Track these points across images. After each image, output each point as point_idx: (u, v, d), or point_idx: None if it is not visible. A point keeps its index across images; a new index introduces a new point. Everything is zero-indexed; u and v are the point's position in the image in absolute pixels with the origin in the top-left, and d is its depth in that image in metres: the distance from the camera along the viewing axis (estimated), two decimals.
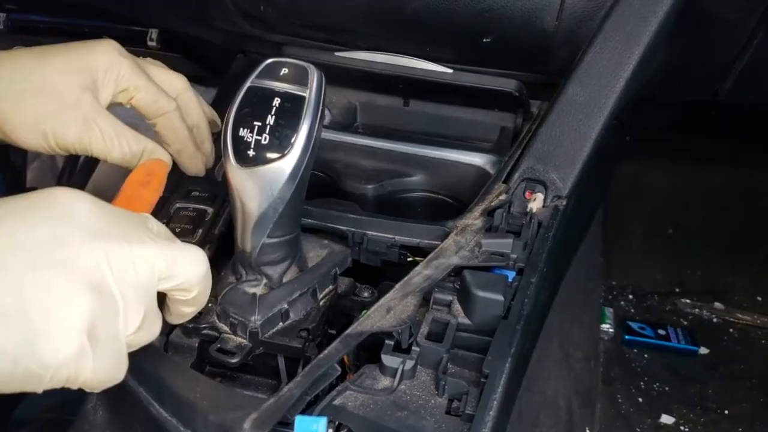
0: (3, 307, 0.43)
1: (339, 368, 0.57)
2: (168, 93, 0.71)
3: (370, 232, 0.72)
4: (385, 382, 0.58)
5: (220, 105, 0.93)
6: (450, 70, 0.86)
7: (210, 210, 0.73)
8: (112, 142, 0.66)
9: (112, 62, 0.67)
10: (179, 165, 0.73)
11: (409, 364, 0.58)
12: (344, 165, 0.86)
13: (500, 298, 0.61)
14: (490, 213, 0.71)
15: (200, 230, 0.70)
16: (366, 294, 0.69)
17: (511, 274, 0.67)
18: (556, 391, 0.96)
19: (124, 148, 0.67)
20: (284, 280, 0.63)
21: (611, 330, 1.32)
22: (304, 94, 0.57)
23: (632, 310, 1.40)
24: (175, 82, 0.73)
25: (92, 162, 1.18)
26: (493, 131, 0.92)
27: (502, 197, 0.73)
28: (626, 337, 1.31)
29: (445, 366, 0.58)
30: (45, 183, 1.28)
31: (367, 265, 0.74)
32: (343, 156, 0.87)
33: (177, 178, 0.74)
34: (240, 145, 0.56)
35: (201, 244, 0.69)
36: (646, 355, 1.30)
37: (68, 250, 0.46)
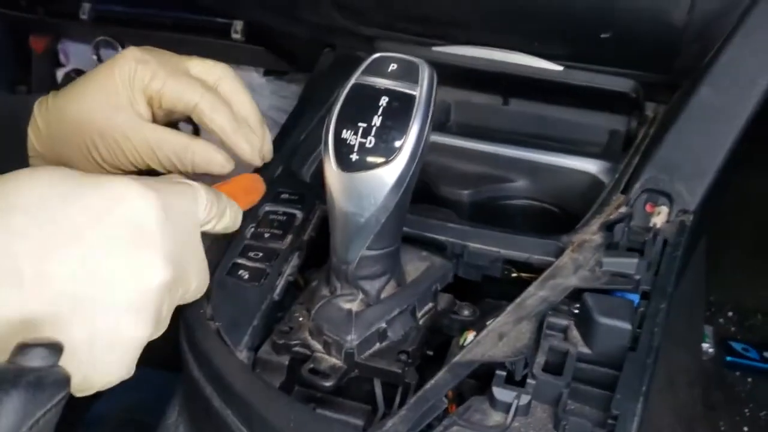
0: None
1: (446, 401, 0.51)
2: (206, 83, 0.68)
3: (471, 244, 0.65)
4: (496, 417, 0.51)
5: (307, 101, 0.88)
6: (560, 67, 0.78)
7: (299, 214, 0.67)
8: (151, 153, 0.65)
9: (130, 74, 0.65)
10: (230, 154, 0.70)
11: (525, 399, 0.51)
12: (438, 168, 0.80)
13: (627, 326, 0.54)
14: (609, 227, 0.64)
15: (290, 235, 0.65)
16: (467, 312, 0.63)
17: (634, 298, 0.59)
18: (661, 420, 0.88)
19: (166, 154, 0.65)
20: (382, 296, 0.57)
21: (711, 350, 1.22)
22: (415, 93, 0.51)
23: (733, 329, 1.29)
24: (213, 71, 0.69)
25: None
26: (602, 135, 0.84)
27: (622, 210, 0.66)
28: (728, 358, 1.21)
29: (565, 402, 0.51)
30: None
31: (465, 280, 0.67)
32: (437, 158, 0.80)
33: (267, 180, 0.70)
34: (342, 148, 0.51)
35: (290, 250, 0.64)
36: (749, 379, 1.20)
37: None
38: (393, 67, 0.53)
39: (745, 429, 1.10)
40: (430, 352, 0.62)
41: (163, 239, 0.48)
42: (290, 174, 0.72)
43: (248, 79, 1.15)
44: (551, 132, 0.86)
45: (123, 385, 0.49)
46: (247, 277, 0.61)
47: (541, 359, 0.53)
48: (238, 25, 1.05)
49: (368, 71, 0.53)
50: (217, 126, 0.66)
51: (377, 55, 0.53)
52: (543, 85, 0.80)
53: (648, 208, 0.67)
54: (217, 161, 0.66)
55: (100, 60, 1.06)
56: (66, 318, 0.44)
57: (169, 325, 0.52)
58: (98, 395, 0.49)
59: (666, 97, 0.77)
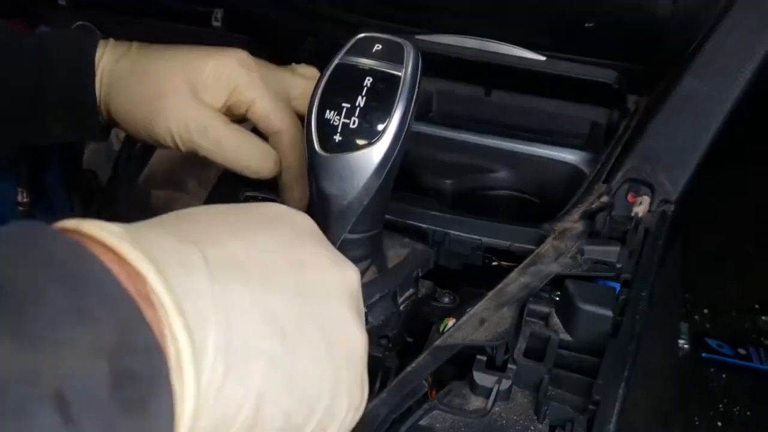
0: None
1: (427, 385, 0.50)
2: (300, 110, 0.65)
3: (453, 232, 0.65)
4: (476, 402, 0.51)
5: None
6: (543, 57, 0.78)
7: (278, 200, 0.66)
8: (201, 135, 0.61)
9: (228, 72, 0.63)
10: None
11: (506, 383, 0.51)
12: (420, 157, 0.79)
13: (609, 313, 0.54)
14: (591, 216, 0.64)
15: None
16: (446, 300, 0.63)
17: (615, 286, 0.59)
18: (637, 417, 0.88)
19: (217, 142, 0.61)
20: (363, 280, 0.56)
21: (687, 346, 1.23)
22: (399, 74, 0.51)
23: (708, 326, 1.30)
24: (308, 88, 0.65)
25: (149, 148, 1.13)
26: (583, 126, 0.83)
27: (604, 199, 0.66)
28: (703, 355, 1.22)
29: (546, 388, 0.51)
30: (100, 166, 1.24)
31: (445, 268, 0.67)
32: (419, 148, 0.80)
33: None
34: (325, 129, 0.50)
35: None
36: (723, 375, 1.20)
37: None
38: (377, 47, 0.52)
39: (719, 424, 1.11)
40: (410, 339, 0.62)
41: None
42: None
43: None
44: (533, 123, 0.85)
45: None
46: None
47: (522, 345, 0.53)
48: (219, 12, 1.03)
49: (352, 51, 0.52)
50: (287, 163, 0.63)
51: (361, 35, 0.53)
52: (526, 75, 0.80)
53: (630, 197, 0.67)
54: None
55: None
56: None
57: None
58: None
59: (648, 88, 0.78)
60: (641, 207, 0.65)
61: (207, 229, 0.38)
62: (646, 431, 0.92)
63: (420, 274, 0.61)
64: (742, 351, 1.23)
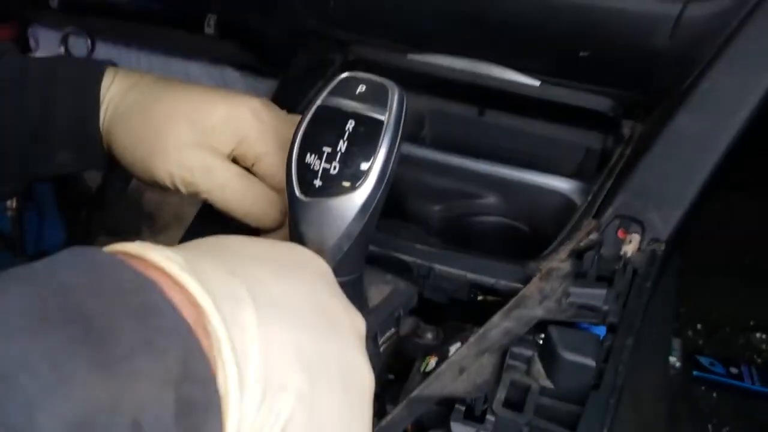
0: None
1: None
2: None
3: (438, 266, 0.64)
4: None
5: (280, 103, 0.86)
6: (537, 82, 0.77)
7: None
8: (204, 178, 0.60)
9: (238, 122, 0.61)
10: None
11: None
12: (408, 182, 0.78)
13: (592, 363, 0.53)
14: (579, 255, 0.62)
15: None
16: (429, 336, 0.62)
17: (601, 330, 0.58)
18: None
19: (221, 186, 0.60)
20: None
21: (678, 364, 1.23)
22: (383, 118, 0.49)
23: (701, 342, 1.30)
24: None
25: None
26: (577, 152, 0.83)
27: (593, 236, 0.64)
28: (695, 373, 1.21)
29: None
30: (93, 173, 1.24)
31: (430, 301, 0.66)
32: (409, 171, 0.78)
33: None
34: (306, 173, 0.49)
35: None
36: (714, 394, 1.20)
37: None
38: (361, 88, 0.50)
39: None
40: (392, 376, 0.61)
41: None
42: None
43: (221, 74, 1.12)
44: (526, 146, 0.84)
45: None
46: None
47: (501, 394, 0.52)
48: (212, 19, 1.01)
49: (335, 92, 0.51)
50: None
51: (345, 74, 0.51)
52: (519, 99, 0.79)
53: (620, 234, 0.66)
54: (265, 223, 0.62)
55: (67, 51, 1.02)
56: None
57: None
58: None
59: (642, 115, 0.76)
60: (630, 246, 0.64)
61: (247, 264, 0.40)
62: None
63: (402, 314, 0.59)
64: (734, 370, 1.22)
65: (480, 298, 0.65)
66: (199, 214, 0.68)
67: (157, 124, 0.60)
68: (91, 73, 0.63)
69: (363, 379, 0.42)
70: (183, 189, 0.61)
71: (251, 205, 0.61)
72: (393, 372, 0.61)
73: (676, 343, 1.25)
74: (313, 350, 0.39)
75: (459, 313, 0.66)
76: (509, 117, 0.84)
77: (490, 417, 0.51)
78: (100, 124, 0.63)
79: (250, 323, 0.36)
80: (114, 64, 0.66)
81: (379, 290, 0.60)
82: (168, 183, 0.61)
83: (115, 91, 0.63)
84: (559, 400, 0.54)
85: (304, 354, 0.38)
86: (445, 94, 0.86)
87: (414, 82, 0.84)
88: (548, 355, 0.55)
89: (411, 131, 0.87)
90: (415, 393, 0.51)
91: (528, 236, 0.76)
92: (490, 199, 0.77)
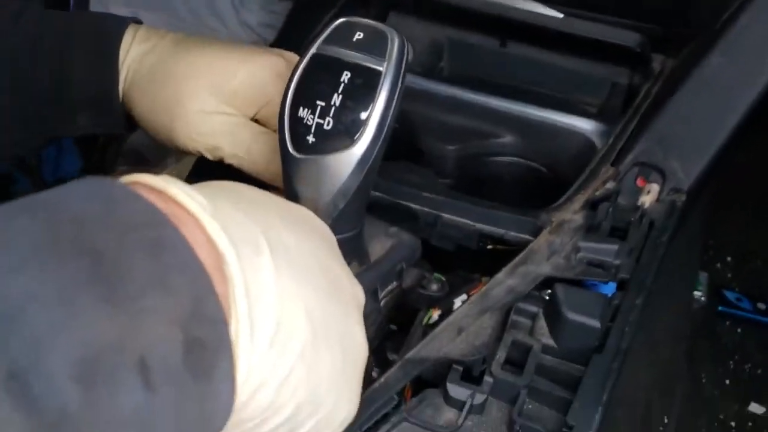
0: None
1: (397, 399, 0.49)
2: None
3: (446, 215, 0.62)
4: (449, 414, 0.49)
5: (292, 27, 0.83)
6: (560, 15, 0.72)
7: None
8: (228, 141, 0.58)
9: (262, 84, 0.59)
10: None
11: (480, 398, 0.49)
12: (424, 118, 0.75)
13: (597, 324, 0.51)
14: (593, 206, 0.60)
15: None
16: (435, 287, 0.60)
17: (611, 287, 0.56)
18: (636, 384, 0.87)
19: (247, 149, 0.58)
20: None
21: (703, 299, 1.20)
22: (381, 68, 0.46)
23: (729, 275, 1.26)
24: None
25: None
26: (603, 87, 0.78)
27: (609, 185, 0.61)
28: (720, 308, 1.19)
29: (522, 404, 0.49)
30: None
31: (439, 248, 0.64)
32: (423, 108, 0.75)
33: None
34: (299, 128, 0.47)
35: None
36: (739, 330, 1.18)
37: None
38: (359, 35, 0.47)
39: (727, 382, 1.09)
40: (394, 327, 0.60)
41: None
42: None
43: None
44: (549, 80, 0.80)
45: None
46: None
47: (501, 355, 0.51)
48: None
49: (331, 39, 0.47)
50: None
51: (342, 20, 0.48)
52: (541, 32, 0.74)
53: (639, 182, 0.63)
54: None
55: None
56: None
57: None
58: None
59: (674, 50, 0.71)
60: (649, 196, 0.61)
61: (264, 213, 0.39)
62: (646, 396, 0.90)
63: (405, 267, 0.58)
64: (761, 306, 1.19)
65: (490, 247, 0.63)
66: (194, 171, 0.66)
67: (176, 90, 0.58)
68: (110, 34, 0.61)
69: (358, 349, 0.42)
70: (208, 155, 0.59)
71: (279, 166, 0.58)
72: (396, 323, 0.60)
73: (703, 277, 1.22)
74: (318, 310, 0.38)
75: (468, 261, 0.64)
76: (532, 49, 0.79)
77: (488, 378, 0.49)
78: (120, 89, 0.61)
79: (266, 271, 0.35)
80: (136, 21, 0.63)
81: (381, 243, 0.58)
82: (191, 149, 0.59)
83: (135, 54, 0.60)
84: (561, 360, 0.52)
85: (312, 314, 0.38)
86: (465, 23, 0.81)
87: (433, 9, 0.80)
88: (553, 314, 0.53)
89: (428, 62, 0.83)
90: (410, 354, 0.50)
91: (547, 178, 0.73)
92: (508, 139, 0.74)
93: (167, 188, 0.34)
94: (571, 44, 0.76)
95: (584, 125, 0.71)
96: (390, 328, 0.60)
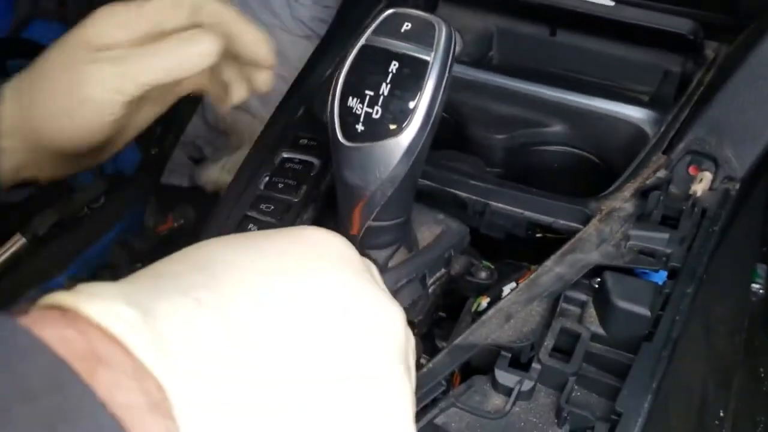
0: None
1: (445, 384, 0.49)
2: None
3: (494, 203, 0.62)
4: (496, 400, 0.50)
5: (335, 30, 0.83)
6: (611, 2, 0.71)
7: (317, 162, 0.65)
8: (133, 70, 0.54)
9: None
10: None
11: (528, 384, 0.49)
12: (472, 108, 0.75)
13: (647, 313, 0.51)
14: (644, 194, 0.59)
15: (305, 186, 0.63)
16: (483, 275, 0.61)
17: (661, 276, 0.56)
18: (691, 375, 0.85)
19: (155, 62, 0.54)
20: (392, 263, 0.55)
21: (762, 291, 1.17)
22: (428, 58, 0.47)
23: None
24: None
25: None
26: (655, 74, 0.77)
27: (661, 174, 0.61)
28: None
29: (570, 391, 0.49)
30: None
31: (488, 236, 0.64)
32: (472, 97, 0.75)
33: (284, 123, 0.67)
34: (348, 117, 0.48)
35: (304, 203, 0.62)
36: None
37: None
38: (407, 26, 0.48)
39: None
40: (443, 314, 0.61)
41: None
42: (311, 116, 0.69)
43: None
44: (600, 68, 0.79)
45: None
46: None
47: (549, 343, 0.51)
48: None
49: (379, 30, 0.48)
50: (211, 11, 0.57)
51: (390, 11, 0.49)
52: (592, 20, 0.73)
53: (691, 170, 0.62)
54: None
55: None
56: None
57: None
58: None
59: (729, 36, 0.70)
60: (701, 184, 0.60)
61: (239, 281, 0.32)
62: (702, 387, 0.89)
63: (453, 254, 0.59)
64: None
65: (539, 235, 0.63)
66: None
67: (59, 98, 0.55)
68: None
69: (403, 391, 0.35)
70: (122, 96, 0.55)
71: (190, 54, 0.55)
72: (445, 310, 0.61)
73: (762, 269, 1.19)
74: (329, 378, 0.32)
75: (517, 250, 0.64)
76: (582, 38, 0.79)
77: (535, 365, 0.50)
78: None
79: (232, 403, 0.29)
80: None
81: (430, 231, 0.59)
82: (107, 110, 0.55)
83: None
84: (610, 348, 0.52)
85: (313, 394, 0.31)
86: (514, 12, 0.81)
87: None
88: (602, 302, 0.53)
89: (477, 52, 0.83)
90: (458, 340, 0.51)
91: (598, 167, 0.73)
92: (557, 128, 0.73)
93: (81, 308, 0.27)
94: (622, 32, 0.75)
95: (635, 113, 0.70)
96: (439, 315, 0.61)
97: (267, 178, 0.64)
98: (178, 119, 1.15)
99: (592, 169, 0.73)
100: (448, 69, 0.47)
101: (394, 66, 0.47)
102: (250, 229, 0.60)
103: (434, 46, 0.47)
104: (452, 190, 0.63)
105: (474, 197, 0.62)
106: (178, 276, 0.32)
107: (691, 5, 0.68)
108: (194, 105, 1.16)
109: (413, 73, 0.46)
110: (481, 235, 0.64)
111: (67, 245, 0.97)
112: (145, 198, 1.08)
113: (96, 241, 1.01)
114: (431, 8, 0.85)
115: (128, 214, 1.06)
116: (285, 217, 0.61)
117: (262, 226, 0.60)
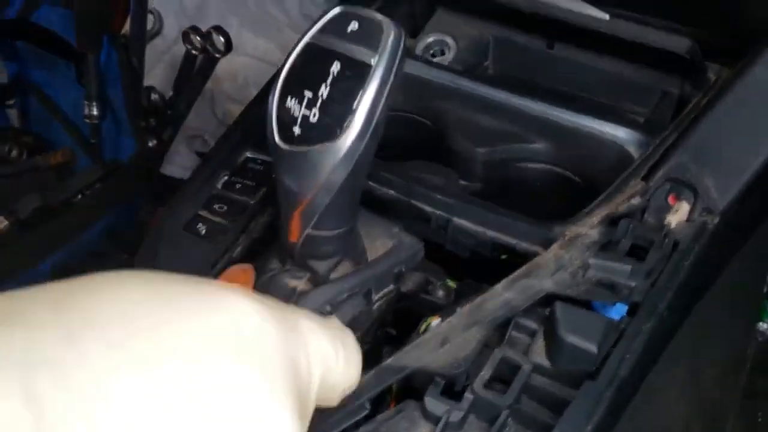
0: None
1: (368, 407, 0.47)
2: None
3: (456, 219, 0.59)
4: (423, 429, 0.47)
5: None
6: (606, 16, 0.67)
7: None
8: None
9: None
10: None
11: (456, 415, 0.46)
12: (456, 118, 0.72)
13: (593, 349, 0.47)
14: (614, 221, 0.55)
15: (264, 188, 0.61)
16: (441, 294, 0.58)
17: (620, 311, 0.52)
18: (671, 417, 0.81)
19: None
20: (335, 276, 0.53)
21: None
22: (371, 62, 0.44)
23: None
24: None
25: (209, 63, 1.11)
26: (652, 95, 0.73)
27: (635, 201, 0.57)
28: None
29: (502, 426, 0.46)
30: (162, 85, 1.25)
31: (452, 254, 0.62)
32: (457, 107, 0.72)
33: (253, 120, 0.65)
34: (285, 118, 0.45)
35: (261, 205, 0.60)
36: None
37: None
38: (354, 26, 0.45)
39: None
40: (394, 332, 0.58)
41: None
42: None
43: None
44: (597, 86, 0.75)
45: None
46: (204, 232, 0.58)
47: (487, 372, 0.48)
48: None
49: (325, 29, 0.46)
50: None
51: (338, 9, 0.46)
52: (587, 34, 0.70)
53: (671, 199, 0.58)
54: None
55: None
56: None
57: None
58: None
59: (732, 59, 0.66)
60: (677, 215, 0.56)
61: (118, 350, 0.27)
62: (689, 423, 0.84)
63: (404, 270, 0.56)
64: None
65: (503, 257, 0.60)
66: None
67: None
68: None
69: None
70: None
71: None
72: (398, 328, 0.58)
73: None
74: None
75: (484, 270, 0.61)
76: (580, 53, 0.75)
77: (468, 395, 0.47)
78: None
79: None
80: None
81: (384, 244, 0.56)
82: None
83: None
84: (555, 382, 0.49)
85: None
86: (511, 22, 0.78)
87: (480, 6, 0.77)
88: (550, 334, 0.49)
89: (472, 61, 0.80)
90: (388, 361, 0.48)
91: (580, 188, 0.69)
92: (540, 145, 0.70)
93: None
94: (619, 48, 0.71)
95: (621, 134, 0.66)
96: (389, 333, 0.58)
97: (225, 178, 0.62)
98: (176, 112, 1.14)
99: (574, 191, 0.69)
100: (393, 73, 0.45)
101: (335, 67, 0.44)
102: (198, 229, 0.58)
103: (379, 49, 0.44)
104: (415, 203, 0.60)
105: (437, 212, 0.60)
106: (33, 341, 0.26)
107: (692, 24, 0.64)
108: (193, 98, 1.15)
109: (354, 75, 0.44)
110: (449, 252, 0.61)
111: (53, 231, 0.97)
112: (139, 190, 1.08)
113: (85, 230, 1.01)
114: (428, 13, 0.83)
115: (121, 204, 1.06)
116: (238, 219, 0.59)
117: (213, 226, 0.58)
